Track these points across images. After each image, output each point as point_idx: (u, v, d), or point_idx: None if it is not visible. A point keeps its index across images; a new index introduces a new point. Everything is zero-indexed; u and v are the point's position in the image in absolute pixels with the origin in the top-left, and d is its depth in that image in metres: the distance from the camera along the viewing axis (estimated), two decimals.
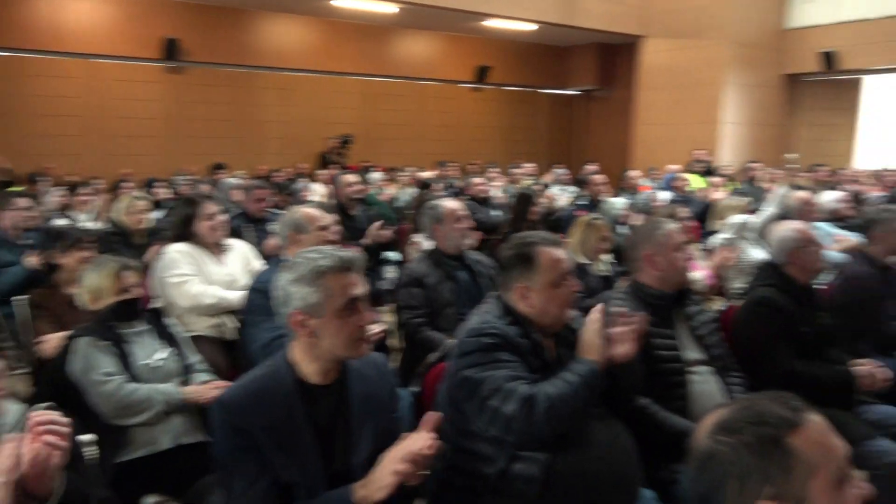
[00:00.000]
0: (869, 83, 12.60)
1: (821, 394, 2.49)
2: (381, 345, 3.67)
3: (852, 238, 4.70)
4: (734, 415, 1.06)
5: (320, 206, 3.73)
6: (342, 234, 3.77)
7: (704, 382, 2.40)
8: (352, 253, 1.75)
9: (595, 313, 2.03)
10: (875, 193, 7.75)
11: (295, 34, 12.12)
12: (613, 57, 14.65)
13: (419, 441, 1.54)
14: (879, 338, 3.17)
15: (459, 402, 2.02)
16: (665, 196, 7.43)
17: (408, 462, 1.52)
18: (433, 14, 10.84)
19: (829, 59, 11.99)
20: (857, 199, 6.89)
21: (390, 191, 8.78)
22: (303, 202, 5.46)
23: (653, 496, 2.07)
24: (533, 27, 11.86)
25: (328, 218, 3.18)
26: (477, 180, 7.44)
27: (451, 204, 3.54)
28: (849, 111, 12.85)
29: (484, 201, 7.04)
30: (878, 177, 9.26)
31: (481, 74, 14.14)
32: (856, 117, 12.81)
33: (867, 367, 2.67)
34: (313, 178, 9.55)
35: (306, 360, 1.71)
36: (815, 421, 1.04)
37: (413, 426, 1.68)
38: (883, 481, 2.25)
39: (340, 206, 5.19)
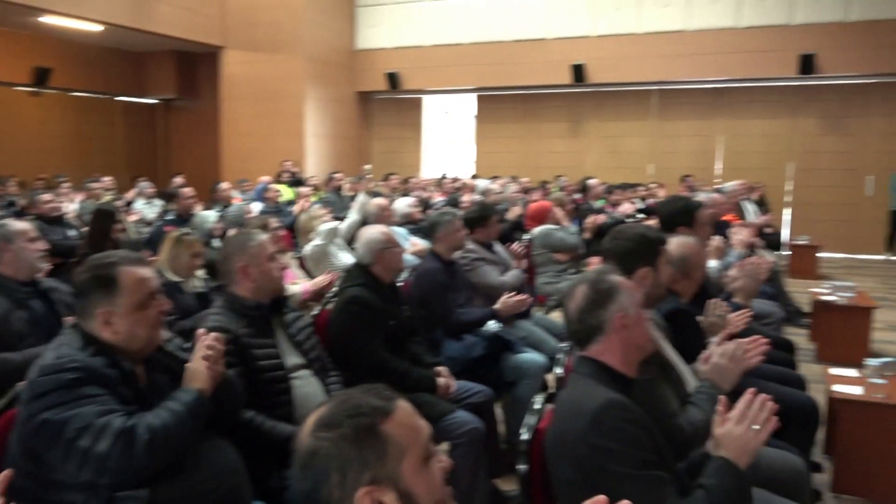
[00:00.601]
0: (427, 102, 14.45)
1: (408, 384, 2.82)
2: None
3: (422, 243, 5.33)
4: (332, 410, 1.11)
5: None
6: None
7: (306, 385, 2.49)
8: None
9: (205, 340, 1.98)
10: (438, 198, 8.95)
11: None
12: (194, 66, 14.29)
13: None
14: (450, 325, 3.64)
15: (39, 451, 1.76)
16: (257, 207, 7.51)
17: None
18: None
19: (392, 79, 13.44)
20: (424, 204, 7.87)
21: None
22: None
23: None
24: (99, 28, 10.92)
25: None
26: (45, 197, 6.56)
27: (19, 224, 3.09)
28: (414, 126, 14.58)
29: (56, 220, 6.26)
30: (440, 184, 10.71)
31: (40, 77, 12.52)
32: (420, 132, 14.58)
33: (444, 380, 3.06)
34: None
35: None
36: (404, 407, 1.13)
37: None
38: (461, 448, 2.62)
39: None
